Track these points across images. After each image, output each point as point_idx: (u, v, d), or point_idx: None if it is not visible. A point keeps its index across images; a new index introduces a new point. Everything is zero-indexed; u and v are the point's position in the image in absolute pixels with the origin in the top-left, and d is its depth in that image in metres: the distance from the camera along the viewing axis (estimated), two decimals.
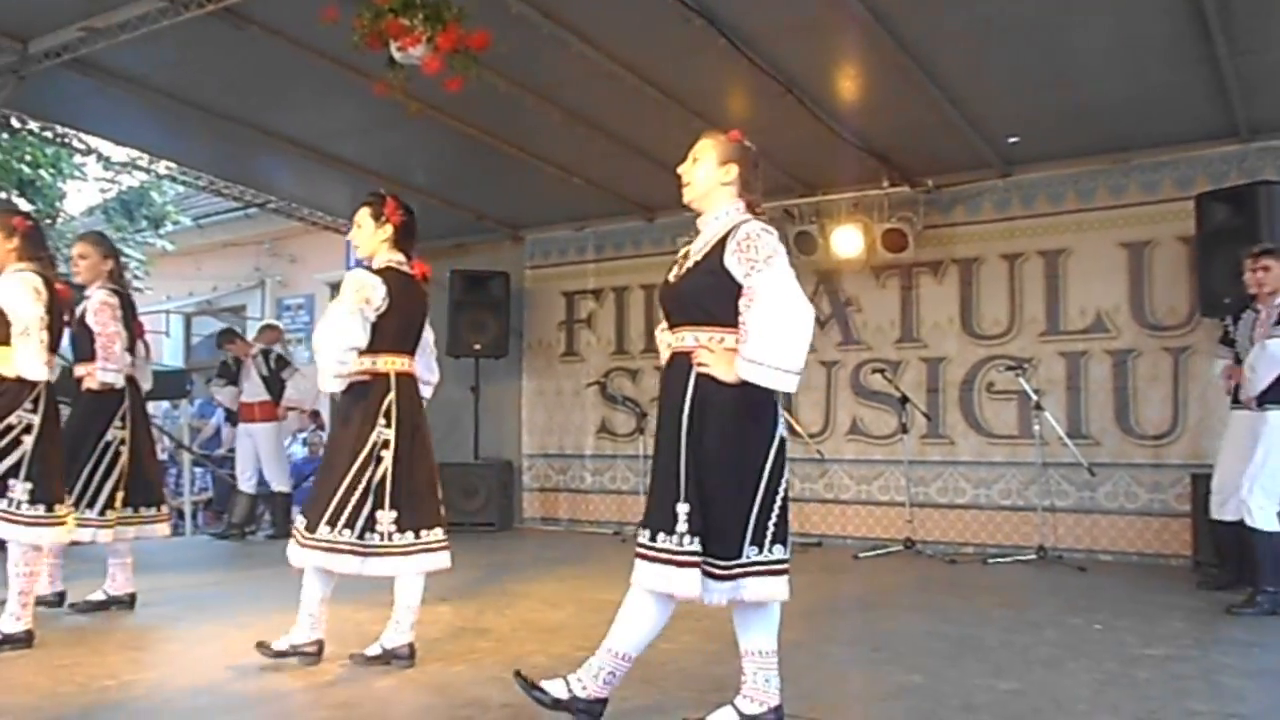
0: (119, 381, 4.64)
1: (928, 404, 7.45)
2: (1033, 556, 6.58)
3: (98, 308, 4.64)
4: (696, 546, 2.69)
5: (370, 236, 3.88)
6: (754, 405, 2.75)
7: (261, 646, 3.79)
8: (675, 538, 2.69)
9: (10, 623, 3.93)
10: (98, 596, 4.84)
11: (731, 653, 3.00)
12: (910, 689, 3.47)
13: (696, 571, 2.68)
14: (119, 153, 8.48)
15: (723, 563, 2.71)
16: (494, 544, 7.80)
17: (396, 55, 4.57)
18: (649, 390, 8.49)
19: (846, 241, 7.48)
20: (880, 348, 7.74)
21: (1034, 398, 6.62)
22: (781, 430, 2.82)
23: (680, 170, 3.04)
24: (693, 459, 2.73)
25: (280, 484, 8.33)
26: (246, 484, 8.38)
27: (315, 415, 9.57)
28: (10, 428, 3.90)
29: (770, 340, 2.70)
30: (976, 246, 7.40)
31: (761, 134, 6.60)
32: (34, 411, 3.96)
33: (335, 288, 14.40)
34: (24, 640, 3.93)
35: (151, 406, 11.83)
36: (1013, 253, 7.27)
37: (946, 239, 7.48)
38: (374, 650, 3.74)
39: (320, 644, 3.78)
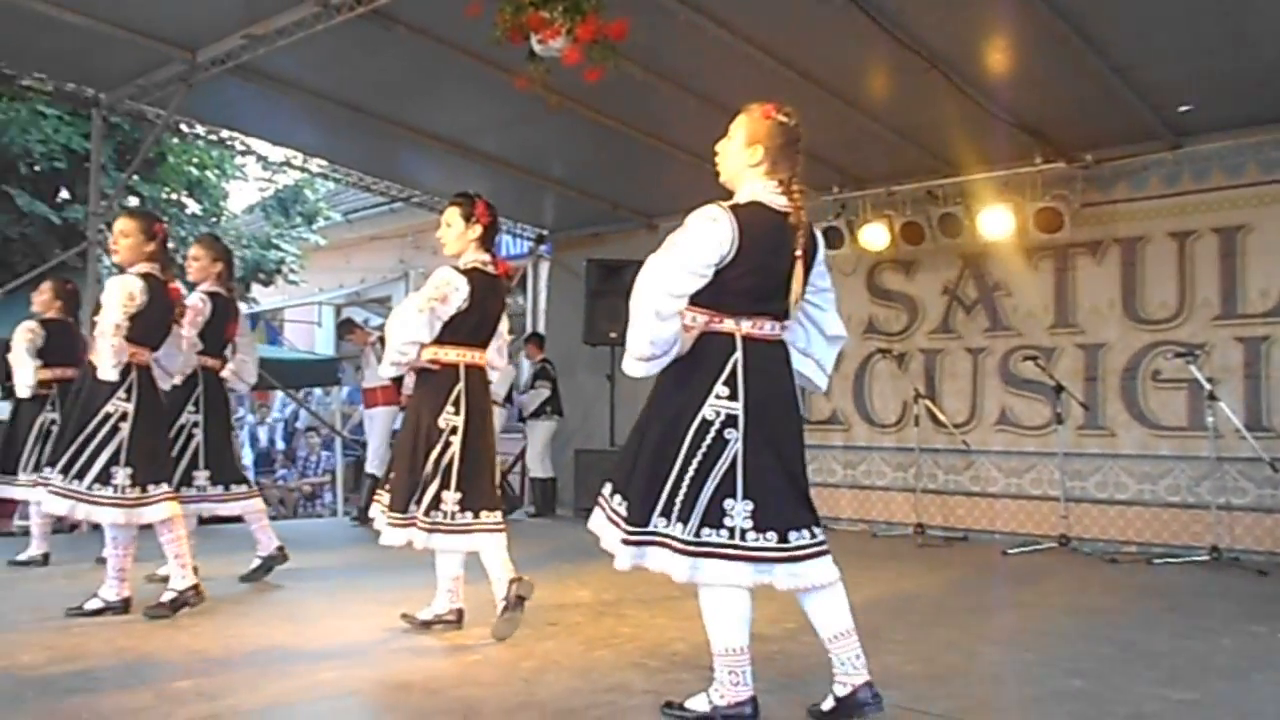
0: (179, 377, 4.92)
1: (1085, 393, 7.07)
2: (1205, 558, 6.14)
3: (185, 308, 4.94)
4: (620, 508, 2.83)
5: (459, 236, 4.04)
6: (676, 381, 2.81)
7: (406, 617, 4.06)
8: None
9: (179, 580, 4.29)
10: (255, 564, 5.19)
11: (873, 645, 2.96)
12: (1071, 694, 3.28)
13: (615, 529, 2.83)
14: (275, 153, 8.89)
15: (629, 527, 2.77)
16: None
17: (537, 48, 4.63)
18: None
19: (995, 222, 7.17)
20: (1032, 334, 7.40)
21: (1207, 387, 6.17)
22: (705, 413, 2.74)
23: (716, 148, 2.97)
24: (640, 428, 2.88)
25: (373, 466, 8.46)
26: (371, 466, 8.59)
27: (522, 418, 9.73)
28: (108, 416, 4.19)
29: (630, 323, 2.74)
30: (1141, 225, 6.97)
31: (904, 113, 6.60)
32: (128, 400, 4.23)
33: None
34: (194, 592, 4.29)
35: (303, 393, 12.47)
36: (1183, 230, 6.81)
37: (1107, 217, 7.08)
38: (499, 610, 3.88)
39: (460, 612, 4.05)
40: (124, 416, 4.20)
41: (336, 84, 6.96)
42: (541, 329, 10.24)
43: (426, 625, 4.02)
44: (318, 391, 13.68)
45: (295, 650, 3.72)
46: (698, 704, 2.87)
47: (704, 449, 2.73)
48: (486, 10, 4.62)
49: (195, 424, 4.99)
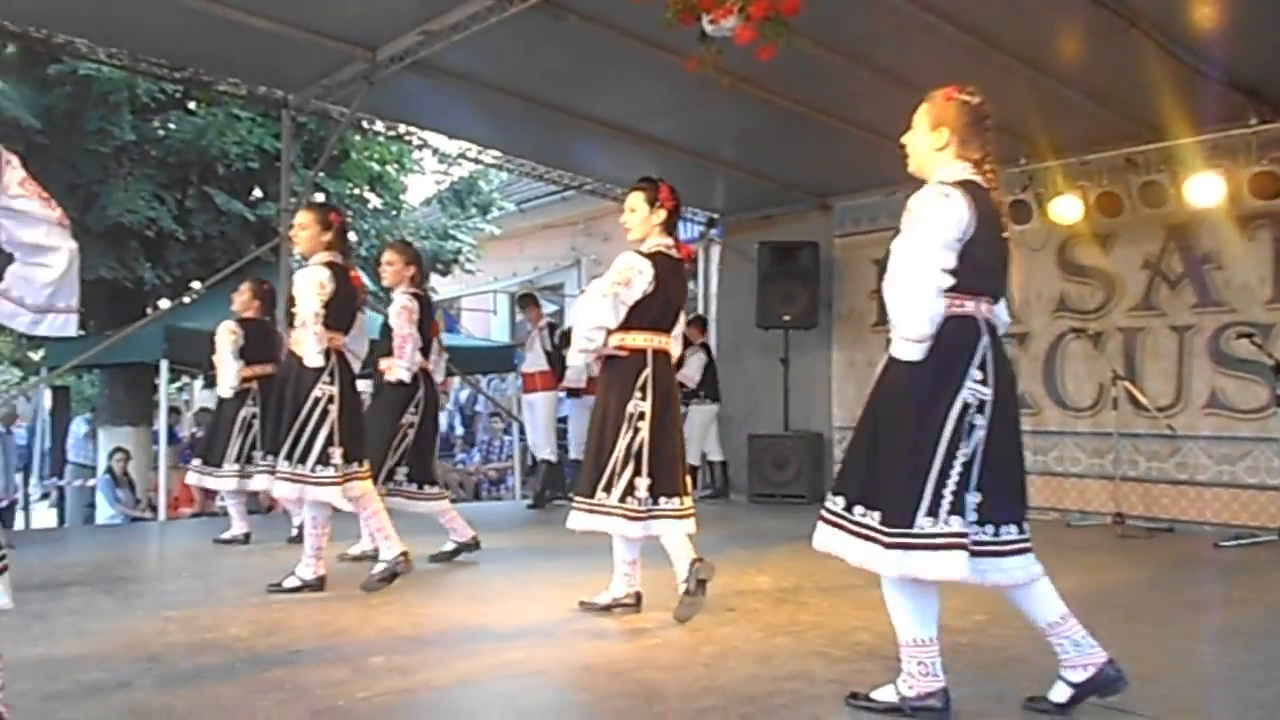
0: (408, 378, 5.05)
1: None
2: None
3: (398, 310, 5.06)
4: (871, 520, 2.66)
5: (643, 221, 4.00)
6: (921, 372, 2.64)
7: (584, 605, 4.08)
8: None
9: (387, 551, 4.52)
10: (448, 547, 5.36)
11: None
12: None
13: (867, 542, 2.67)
14: (450, 145, 9.16)
15: (891, 531, 2.62)
16: (806, 516, 7.56)
17: (709, 29, 4.57)
18: None
19: (1204, 190, 6.62)
20: (1246, 309, 6.81)
21: None
22: (965, 397, 2.61)
23: (902, 140, 2.87)
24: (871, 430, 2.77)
25: (545, 453, 8.61)
26: (544, 453, 8.75)
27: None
28: (318, 400, 4.38)
29: (889, 307, 2.68)
30: None
31: (1099, 76, 6.20)
32: (331, 383, 4.42)
33: None
34: (404, 559, 4.51)
35: (482, 380, 12.86)
36: None
37: None
38: (681, 593, 3.89)
39: (638, 595, 4.06)
40: (331, 399, 4.40)
41: (508, 75, 7.09)
42: (713, 314, 10.18)
43: (606, 609, 4.04)
44: (494, 379, 14.10)
45: (481, 630, 3.82)
46: (885, 695, 2.77)
47: (961, 436, 2.61)
48: None
49: (412, 425, 5.14)
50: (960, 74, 5.92)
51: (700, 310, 10.18)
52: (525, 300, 9.28)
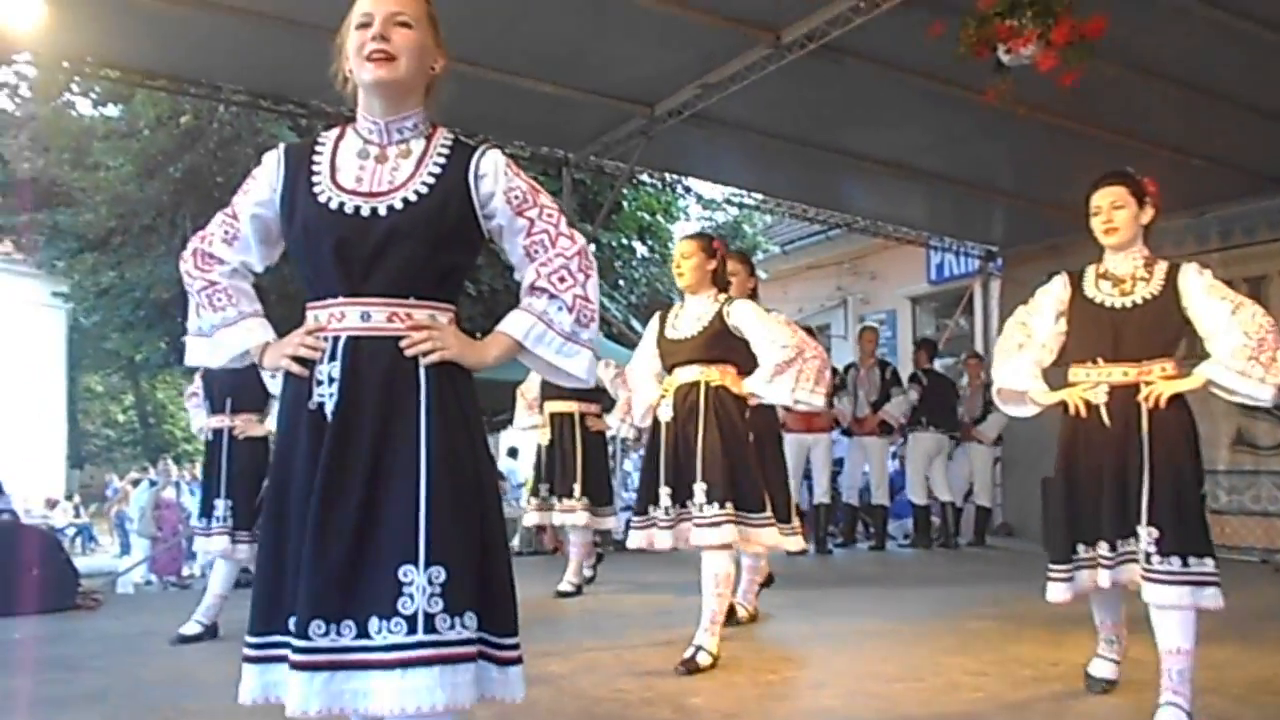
0: None
1: None
2: None
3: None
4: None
5: (1132, 221, 3.32)
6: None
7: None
8: None
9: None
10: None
11: None
12: None
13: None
14: (713, 190, 9.31)
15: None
16: None
17: (1005, 59, 4.45)
18: None
19: None
20: None
21: None
22: None
23: None
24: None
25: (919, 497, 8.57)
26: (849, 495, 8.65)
27: (902, 429, 9.46)
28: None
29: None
30: None
31: None
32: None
33: (915, 302, 14.26)
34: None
35: None
36: None
37: None
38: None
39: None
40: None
41: (779, 120, 7.15)
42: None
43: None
44: None
45: (791, 677, 3.80)
46: None
47: None
48: (949, 27, 4.52)
49: None
50: None
51: (982, 348, 9.76)
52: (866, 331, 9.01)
